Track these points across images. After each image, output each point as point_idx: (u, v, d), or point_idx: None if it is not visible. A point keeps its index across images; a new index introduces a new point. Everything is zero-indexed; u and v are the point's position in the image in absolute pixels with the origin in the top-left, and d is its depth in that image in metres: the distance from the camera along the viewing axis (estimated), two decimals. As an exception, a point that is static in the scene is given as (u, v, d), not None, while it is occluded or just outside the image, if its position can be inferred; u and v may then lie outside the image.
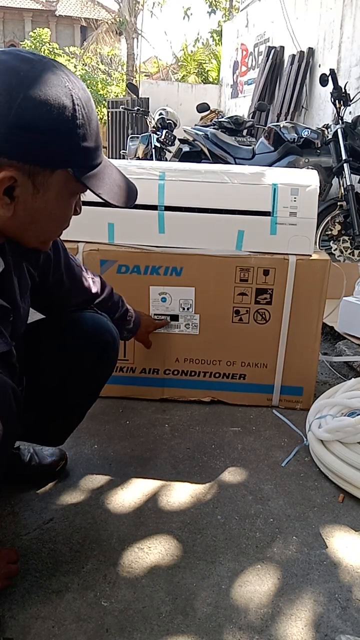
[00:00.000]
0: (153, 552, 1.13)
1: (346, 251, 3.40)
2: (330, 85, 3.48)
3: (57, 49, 13.96)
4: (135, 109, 5.10)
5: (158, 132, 4.41)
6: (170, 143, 4.39)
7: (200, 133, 4.01)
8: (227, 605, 1.01)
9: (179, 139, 4.32)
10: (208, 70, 13.38)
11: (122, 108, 6.10)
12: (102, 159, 0.85)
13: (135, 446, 1.53)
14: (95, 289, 1.30)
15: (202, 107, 4.71)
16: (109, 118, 8.87)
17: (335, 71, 3.65)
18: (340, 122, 3.35)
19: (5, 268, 0.92)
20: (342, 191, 3.27)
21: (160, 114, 4.57)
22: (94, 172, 0.83)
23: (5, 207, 0.78)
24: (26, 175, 0.77)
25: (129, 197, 0.89)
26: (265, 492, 1.35)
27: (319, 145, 3.46)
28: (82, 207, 0.93)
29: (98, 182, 0.83)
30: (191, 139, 4.13)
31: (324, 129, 3.53)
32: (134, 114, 6.15)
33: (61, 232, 0.93)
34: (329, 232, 3.39)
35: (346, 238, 3.37)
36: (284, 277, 1.62)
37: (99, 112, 12.15)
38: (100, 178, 0.84)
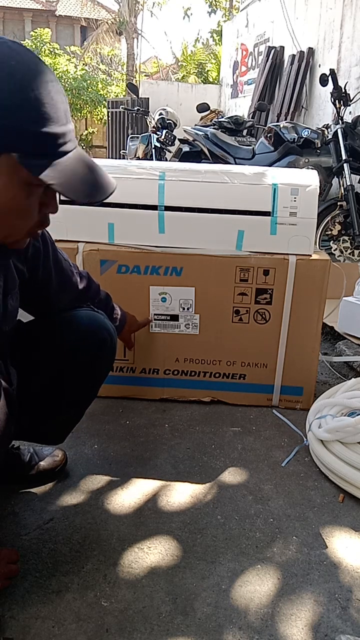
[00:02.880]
0: (153, 552, 1.13)
1: (346, 251, 3.40)
2: (330, 85, 3.48)
3: (57, 49, 13.95)
4: (135, 109, 5.09)
5: (158, 132, 4.41)
6: (170, 143, 4.39)
7: (200, 133, 4.01)
8: (227, 605, 1.01)
9: (179, 139, 4.32)
10: (208, 70, 13.38)
11: (122, 108, 6.10)
12: (69, 149, 0.78)
13: (135, 446, 1.53)
14: (82, 285, 1.28)
15: (202, 107, 4.71)
16: (109, 118, 8.87)
17: (335, 71, 3.65)
18: (340, 122, 3.34)
19: None
20: (342, 191, 3.27)
21: (160, 114, 4.57)
22: (57, 161, 0.75)
23: None
24: None
25: (94, 192, 0.81)
26: (265, 492, 1.35)
27: (319, 145, 3.46)
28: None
29: (54, 172, 0.74)
30: (191, 139, 4.13)
31: (324, 129, 3.53)
32: (134, 114, 6.15)
33: (27, 228, 0.85)
34: (329, 232, 3.39)
35: (346, 238, 3.37)
36: (284, 277, 1.62)
37: (99, 112, 12.17)
38: (60, 168, 0.75)
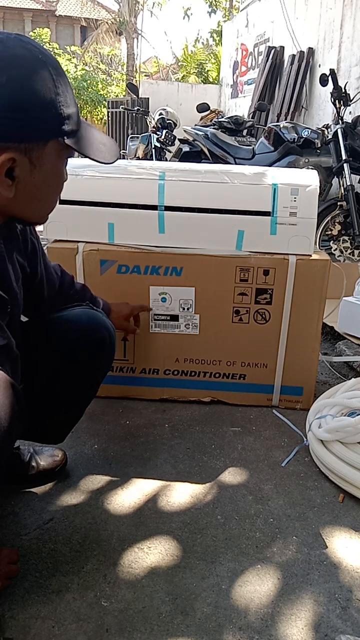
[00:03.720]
0: (153, 552, 1.13)
1: (346, 251, 3.40)
2: (330, 85, 3.48)
3: (56, 49, 13.96)
4: (135, 109, 5.10)
5: (158, 132, 4.41)
6: (170, 143, 4.39)
7: (200, 133, 4.01)
8: (227, 605, 1.01)
9: (179, 139, 4.32)
10: (208, 70, 13.38)
11: (122, 108, 6.10)
12: (82, 121, 0.88)
13: (135, 446, 1.53)
14: (58, 278, 1.28)
15: (202, 107, 4.71)
16: (109, 118, 8.87)
17: (335, 71, 3.65)
18: (340, 122, 3.34)
19: None
20: (342, 191, 3.27)
21: (160, 114, 4.57)
22: (79, 136, 0.85)
23: (8, 188, 0.80)
24: (23, 153, 0.78)
25: (112, 153, 0.92)
26: (265, 492, 1.35)
27: (319, 145, 3.46)
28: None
29: (86, 144, 0.86)
30: (191, 139, 4.13)
31: (324, 129, 3.53)
32: (134, 114, 6.15)
33: (57, 201, 0.95)
34: (329, 232, 3.38)
35: (346, 238, 3.37)
36: (284, 277, 1.62)
37: (99, 112, 12.18)
38: (86, 139, 0.87)
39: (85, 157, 0.86)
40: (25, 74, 0.75)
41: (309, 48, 5.49)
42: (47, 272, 1.22)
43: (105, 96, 12.04)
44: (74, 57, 14.56)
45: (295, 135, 3.54)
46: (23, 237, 1.08)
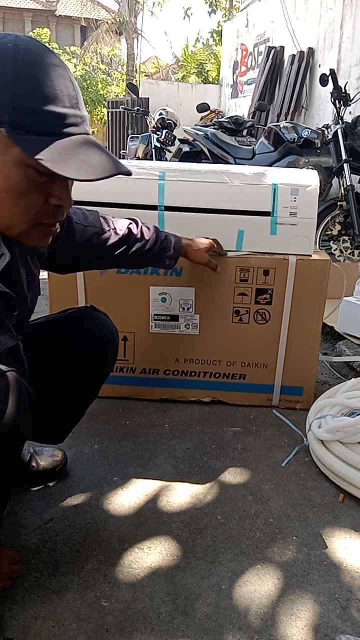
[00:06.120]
0: (153, 552, 1.13)
1: (346, 251, 3.40)
2: (330, 85, 3.48)
3: (56, 49, 13.95)
4: (135, 109, 5.09)
5: (158, 132, 4.41)
6: (170, 143, 4.39)
7: (200, 133, 4.01)
8: (227, 605, 1.01)
9: (179, 139, 4.32)
10: (208, 70, 13.38)
11: (122, 108, 6.10)
12: (73, 132, 0.74)
13: (135, 446, 1.53)
14: (113, 239, 1.25)
15: (202, 107, 4.71)
16: (109, 118, 8.87)
17: (335, 71, 3.65)
18: (340, 122, 3.34)
19: (11, 258, 0.90)
20: (342, 191, 3.27)
21: (160, 114, 4.57)
22: (55, 141, 0.72)
23: None
24: None
25: (87, 171, 0.73)
26: (265, 492, 1.35)
27: (319, 145, 3.46)
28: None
29: (48, 151, 0.70)
30: (191, 139, 4.13)
31: (324, 129, 3.53)
32: (134, 114, 6.15)
33: (30, 217, 0.80)
34: (329, 232, 3.38)
35: (346, 238, 3.37)
36: (284, 277, 1.62)
37: (99, 112, 12.16)
38: (55, 147, 0.71)
39: (37, 160, 0.70)
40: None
41: (309, 48, 5.49)
42: (86, 246, 1.19)
43: (105, 96, 12.04)
44: (73, 57, 14.56)
45: (295, 135, 3.54)
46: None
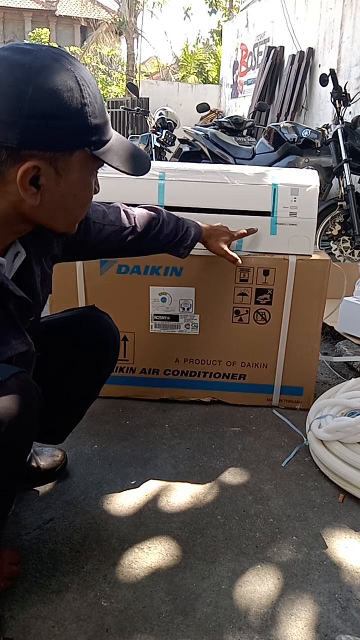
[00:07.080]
0: (153, 552, 1.13)
1: (346, 251, 3.40)
2: (330, 85, 3.48)
3: (56, 49, 13.94)
4: (135, 109, 5.09)
5: (158, 132, 4.41)
6: (170, 143, 4.39)
7: (200, 133, 4.01)
8: (227, 605, 1.01)
9: (179, 139, 4.32)
10: (208, 70, 13.38)
11: (122, 108, 6.09)
12: (112, 133, 0.87)
13: (135, 446, 1.53)
14: (132, 235, 1.27)
15: (202, 107, 4.71)
16: (109, 118, 8.87)
17: (335, 71, 3.65)
18: (340, 122, 3.34)
19: (26, 257, 0.93)
20: (342, 191, 3.27)
21: (160, 114, 4.57)
22: (107, 147, 0.85)
23: (33, 196, 0.80)
24: (48, 162, 0.78)
25: (143, 165, 0.92)
26: (265, 492, 1.35)
27: (319, 145, 3.46)
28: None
29: (113, 156, 0.85)
30: (191, 139, 4.13)
31: (324, 129, 3.53)
32: (134, 114, 6.15)
33: (85, 213, 0.93)
34: (329, 232, 3.39)
35: (346, 238, 3.37)
36: (284, 277, 1.62)
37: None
38: (114, 151, 0.86)
39: (113, 167, 0.85)
40: (52, 83, 0.75)
41: (309, 48, 5.49)
42: (105, 232, 1.21)
43: (105, 96, 12.04)
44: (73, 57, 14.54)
45: (295, 135, 3.54)
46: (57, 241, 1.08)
